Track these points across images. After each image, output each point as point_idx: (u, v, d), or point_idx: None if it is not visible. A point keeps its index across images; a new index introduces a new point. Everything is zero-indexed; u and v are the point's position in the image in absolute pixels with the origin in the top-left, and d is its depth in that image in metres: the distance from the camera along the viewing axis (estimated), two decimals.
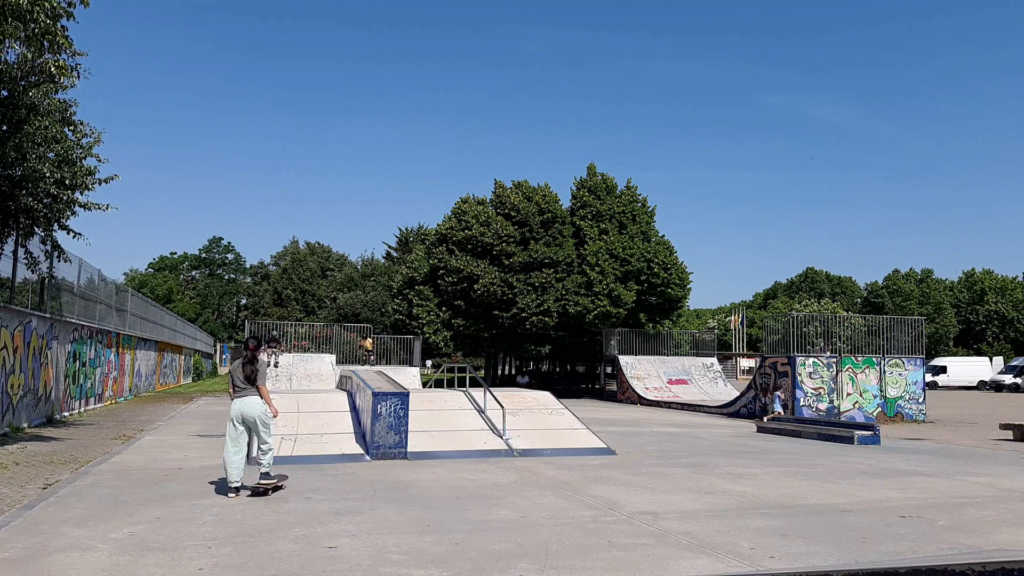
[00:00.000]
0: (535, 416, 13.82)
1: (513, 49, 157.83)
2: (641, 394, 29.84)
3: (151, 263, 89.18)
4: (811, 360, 21.64)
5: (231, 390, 8.61)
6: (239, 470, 8.29)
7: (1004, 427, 17.17)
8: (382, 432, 11.62)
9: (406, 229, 67.44)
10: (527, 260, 34.04)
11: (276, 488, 8.47)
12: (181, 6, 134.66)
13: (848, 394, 21.66)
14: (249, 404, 8.43)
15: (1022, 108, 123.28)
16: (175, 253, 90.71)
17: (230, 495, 8.19)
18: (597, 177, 37.38)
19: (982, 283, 78.02)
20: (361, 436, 12.23)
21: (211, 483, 9.21)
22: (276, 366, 28.35)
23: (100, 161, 14.86)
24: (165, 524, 6.88)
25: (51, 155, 13.75)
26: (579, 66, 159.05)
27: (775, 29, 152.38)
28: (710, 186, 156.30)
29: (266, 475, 8.35)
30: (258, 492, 8.29)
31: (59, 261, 16.52)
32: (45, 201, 13.85)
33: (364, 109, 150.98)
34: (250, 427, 8.45)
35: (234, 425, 8.41)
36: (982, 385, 50.23)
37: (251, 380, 8.48)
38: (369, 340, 32.90)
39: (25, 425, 15.40)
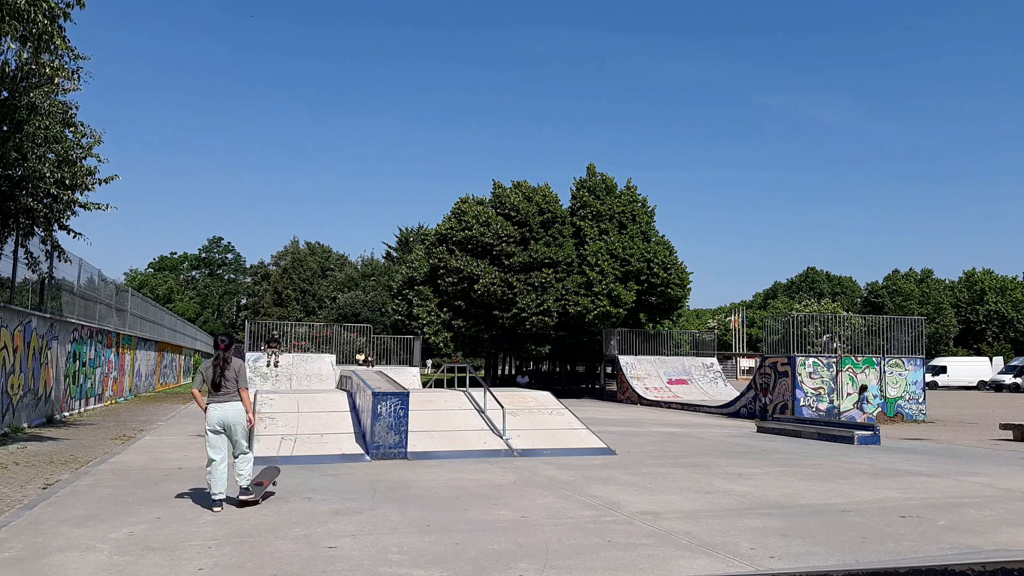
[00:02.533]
0: (535, 416, 13.82)
1: (513, 49, 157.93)
2: (641, 394, 29.84)
3: (151, 263, 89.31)
4: (811, 360, 21.63)
5: (200, 393, 7.81)
6: (224, 482, 7.60)
7: (1004, 427, 17.17)
8: (382, 432, 11.62)
9: (406, 229, 67.46)
10: (527, 260, 34.03)
11: (265, 496, 8.07)
12: (181, 6, 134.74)
13: (848, 394, 21.66)
14: (233, 410, 7.75)
15: (1022, 108, 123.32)
16: (175, 253, 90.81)
17: (215, 509, 7.42)
18: (597, 177, 37.38)
19: (982, 283, 78.01)
20: (361, 436, 12.23)
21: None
22: (276, 366, 28.32)
23: (100, 161, 14.87)
24: (165, 524, 6.88)
25: (51, 155, 13.75)
26: (579, 66, 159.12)
27: (774, 30, 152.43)
28: (710, 186, 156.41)
29: (245, 491, 7.66)
30: (244, 505, 7.68)
31: (59, 261, 16.52)
32: (45, 201, 13.84)
33: (364, 109, 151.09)
34: (228, 434, 7.78)
35: (215, 432, 7.72)
36: (982, 385, 50.21)
37: (229, 383, 7.77)
38: (362, 354, 32.53)
39: (25, 425, 15.40)
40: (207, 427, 7.78)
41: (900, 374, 22.25)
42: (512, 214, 35.13)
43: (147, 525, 6.83)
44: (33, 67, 11.88)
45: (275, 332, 31.24)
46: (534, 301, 33.34)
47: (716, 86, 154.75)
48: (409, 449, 11.70)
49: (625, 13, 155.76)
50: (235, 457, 7.82)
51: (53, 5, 10.79)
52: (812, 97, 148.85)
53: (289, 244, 76.35)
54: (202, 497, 8.25)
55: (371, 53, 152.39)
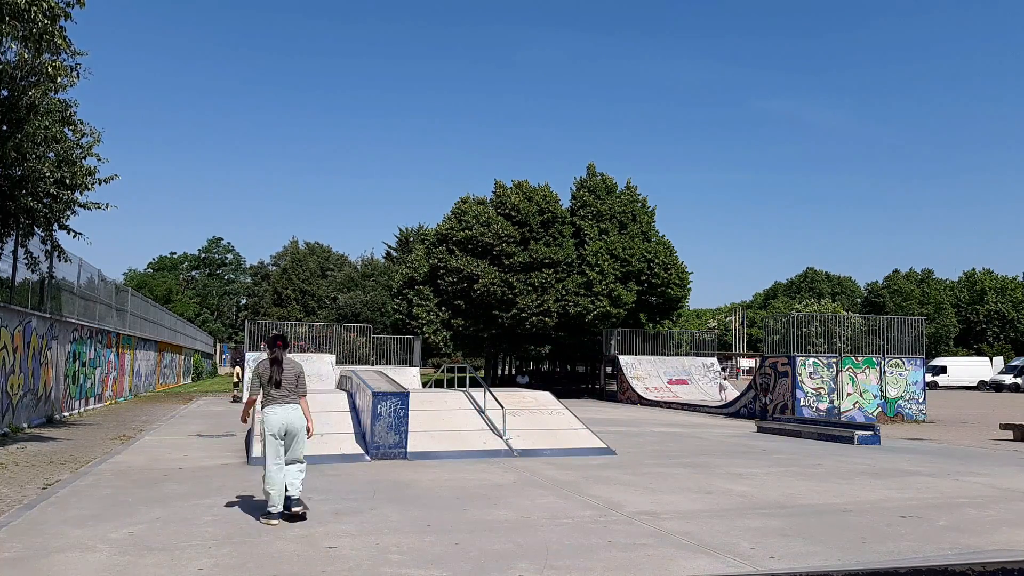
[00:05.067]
0: (535, 416, 13.81)
1: (514, 50, 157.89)
2: (641, 394, 29.84)
3: (151, 263, 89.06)
4: (811, 360, 21.63)
5: (256, 397, 7.35)
6: (282, 493, 7.04)
7: (1004, 427, 17.17)
8: (382, 432, 11.62)
9: (406, 229, 67.51)
10: (527, 260, 34.02)
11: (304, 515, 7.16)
12: (181, 5, 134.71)
13: (848, 394, 21.66)
14: (295, 414, 7.23)
15: (1021, 108, 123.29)
16: (175, 253, 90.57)
17: (272, 522, 6.82)
18: (597, 177, 37.38)
19: (982, 283, 78.03)
20: (361, 436, 12.23)
21: (211, 483, 9.20)
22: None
23: (100, 161, 14.86)
24: (165, 524, 6.88)
25: (51, 155, 13.75)
26: (579, 68, 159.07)
27: (770, 32, 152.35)
28: (710, 186, 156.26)
29: (297, 501, 7.04)
30: (295, 518, 6.96)
31: (59, 261, 16.53)
32: (45, 201, 13.84)
33: (364, 109, 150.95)
34: (288, 441, 7.21)
35: (275, 438, 7.14)
36: (982, 385, 50.21)
37: (291, 386, 7.29)
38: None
39: (25, 425, 15.40)
40: (268, 432, 7.15)
41: (900, 374, 22.25)
42: (512, 214, 35.12)
43: (147, 525, 6.82)
44: (34, 66, 11.89)
45: (283, 332, 30.99)
46: (534, 301, 33.32)
47: (715, 90, 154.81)
48: (409, 449, 11.69)
49: (624, 17, 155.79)
50: (295, 469, 7.20)
51: (53, 5, 10.79)
52: (810, 100, 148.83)
53: (289, 244, 76.38)
54: (202, 497, 8.26)
55: (371, 53, 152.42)
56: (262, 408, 7.26)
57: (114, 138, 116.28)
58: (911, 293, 76.67)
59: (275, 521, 6.85)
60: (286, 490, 7.06)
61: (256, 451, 11.09)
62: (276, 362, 7.28)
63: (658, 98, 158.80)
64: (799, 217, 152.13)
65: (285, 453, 7.19)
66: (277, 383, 7.21)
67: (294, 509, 6.99)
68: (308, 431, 7.35)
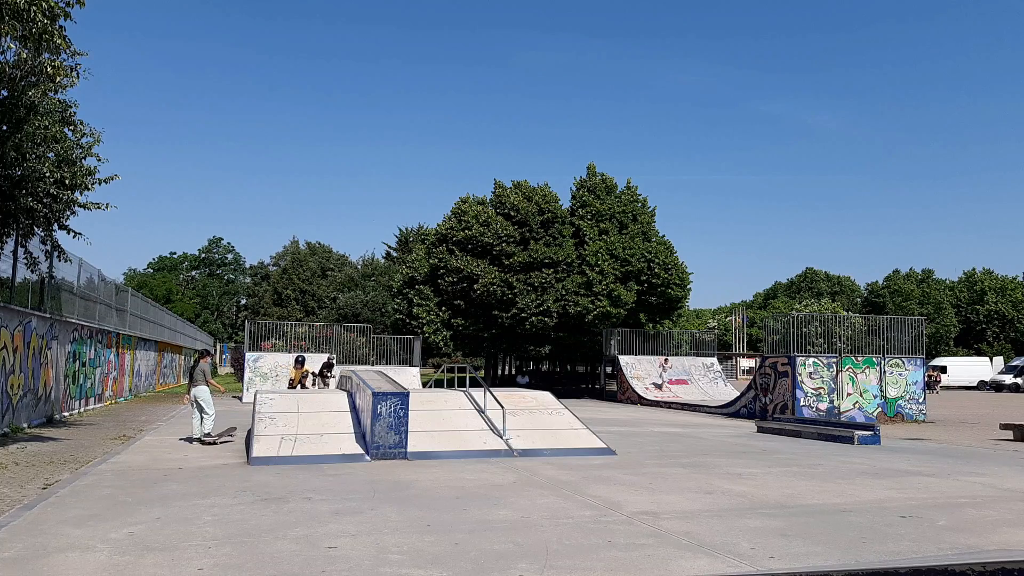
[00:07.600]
0: (535, 416, 13.81)
1: (514, 51, 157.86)
2: (641, 394, 29.83)
3: (151, 263, 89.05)
4: (811, 360, 21.63)
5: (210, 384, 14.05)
6: (199, 429, 13.51)
7: (1004, 427, 17.17)
8: (382, 432, 11.61)
9: (406, 229, 67.45)
10: (527, 260, 34.02)
11: (215, 442, 13.32)
12: (181, 6, 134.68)
13: (848, 394, 21.65)
14: (203, 391, 13.67)
15: (1021, 108, 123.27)
16: (175, 253, 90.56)
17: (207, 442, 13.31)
18: (597, 177, 37.37)
19: (982, 283, 77.98)
20: (361, 436, 12.23)
21: (211, 483, 9.20)
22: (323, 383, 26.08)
23: (100, 161, 14.85)
24: (165, 524, 6.88)
25: (51, 155, 13.74)
26: (579, 69, 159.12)
27: (769, 34, 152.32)
28: (710, 186, 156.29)
29: (208, 435, 13.42)
30: (206, 443, 13.23)
31: (59, 261, 16.51)
32: (45, 201, 13.83)
33: (364, 109, 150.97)
34: (200, 405, 13.48)
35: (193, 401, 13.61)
36: (982, 385, 50.22)
37: (202, 377, 13.82)
38: (299, 367, 22.53)
39: (25, 425, 15.39)
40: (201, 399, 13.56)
41: (900, 374, 22.25)
42: (512, 214, 35.12)
43: (147, 525, 6.83)
44: (33, 66, 11.88)
45: (332, 358, 28.93)
46: (534, 301, 33.32)
47: (715, 91, 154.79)
48: (409, 449, 11.69)
49: (625, 18, 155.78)
50: (204, 416, 13.51)
51: (53, 4, 10.77)
52: (810, 101, 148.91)
53: (289, 244, 76.29)
54: (202, 497, 8.26)
55: (371, 53, 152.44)
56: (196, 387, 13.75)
57: (114, 138, 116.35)
58: (911, 293, 76.64)
59: (209, 440, 13.35)
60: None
61: (255, 450, 11.13)
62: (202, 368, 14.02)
63: (658, 99, 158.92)
64: (799, 217, 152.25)
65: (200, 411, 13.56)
66: (193, 374, 14.00)
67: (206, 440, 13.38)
68: (209, 394, 13.77)
